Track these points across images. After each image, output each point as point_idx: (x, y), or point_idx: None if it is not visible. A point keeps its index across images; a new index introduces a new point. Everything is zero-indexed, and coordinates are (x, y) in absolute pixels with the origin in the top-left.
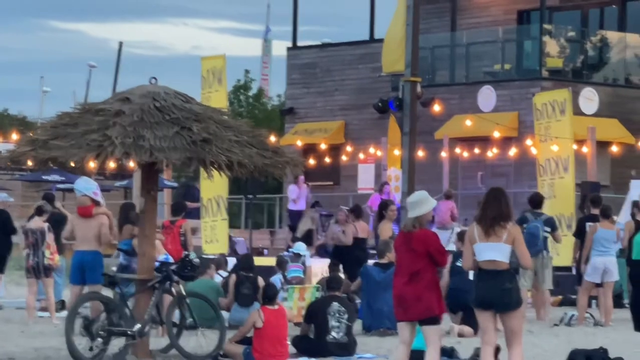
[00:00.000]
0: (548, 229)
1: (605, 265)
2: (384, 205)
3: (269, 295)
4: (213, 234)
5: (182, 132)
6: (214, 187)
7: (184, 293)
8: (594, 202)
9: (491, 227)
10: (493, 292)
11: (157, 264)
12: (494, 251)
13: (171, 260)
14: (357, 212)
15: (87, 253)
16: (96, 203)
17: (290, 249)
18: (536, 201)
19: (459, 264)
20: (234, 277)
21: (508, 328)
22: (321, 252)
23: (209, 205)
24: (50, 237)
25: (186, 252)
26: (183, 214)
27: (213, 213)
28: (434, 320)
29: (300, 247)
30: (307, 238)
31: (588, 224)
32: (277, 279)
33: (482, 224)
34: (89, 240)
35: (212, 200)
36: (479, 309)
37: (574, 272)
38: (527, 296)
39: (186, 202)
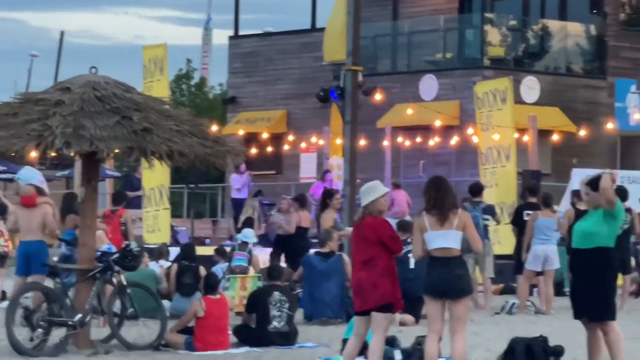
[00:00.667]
0: (488, 217)
1: (546, 253)
2: (329, 194)
3: (211, 285)
4: (155, 224)
5: (122, 122)
6: (156, 176)
7: (125, 283)
8: (531, 190)
9: (442, 215)
10: (445, 279)
11: (98, 253)
12: (446, 239)
13: (114, 250)
14: (301, 201)
15: (31, 243)
16: (41, 192)
17: (237, 237)
18: (475, 190)
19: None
20: (175, 266)
21: (455, 316)
22: (263, 241)
23: (151, 194)
24: (1, 224)
25: (127, 242)
26: (124, 203)
27: (155, 202)
28: (388, 308)
29: (247, 234)
30: (248, 226)
31: (525, 212)
32: (218, 268)
33: (432, 212)
34: (33, 230)
35: (154, 190)
36: (430, 297)
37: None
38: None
39: (126, 192)
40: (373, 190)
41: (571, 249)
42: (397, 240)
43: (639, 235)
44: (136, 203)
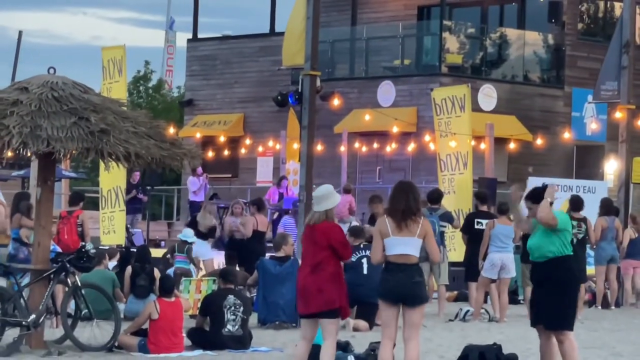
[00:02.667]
0: (444, 224)
1: (503, 261)
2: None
3: (166, 288)
4: (110, 225)
5: (79, 123)
6: (112, 178)
7: (79, 284)
8: (480, 198)
9: (404, 221)
10: (403, 286)
11: (52, 254)
12: (406, 245)
13: (58, 250)
14: (259, 205)
15: None
16: None
17: (178, 236)
18: (433, 197)
19: (352, 259)
20: (129, 268)
21: (409, 322)
22: (217, 244)
23: (108, 196)
24: None
25: (83, 243)
26: (81, 204)
27: (111, 204)
28: (333, 314)
29: (187, 233)
30: (192, 226)
31: (476, 220)
32: (172, 271)
33: (394, 217)
34: None
35: (111, 191)
36: (387, 303)
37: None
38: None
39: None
40: (331, 197)
41: (531, 260)
42: (347, 246)
43: (594, 245)
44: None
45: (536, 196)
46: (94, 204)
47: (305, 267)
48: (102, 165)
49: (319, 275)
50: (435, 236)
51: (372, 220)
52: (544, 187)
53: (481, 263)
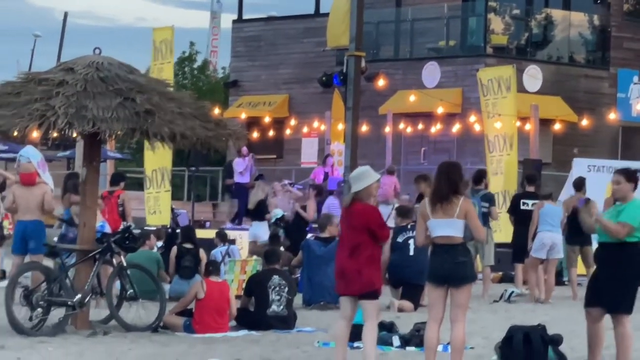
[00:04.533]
0: (486, 205)
1: (553, 241)
2: None
3: (213, 269)
4: (156, 205)
5: (125, 103)
6: (158, 158)
7: (124, 264)
8: (529, 179)
9: (442, 203)
10: (448, 266)
11: (98, 234)
12: (447, 227)
13: (107, 227)
14: (319, 191)
15: (30, 223)
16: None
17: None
18: (476, 177)
19: (399, 239)
20: (174, 249)
21: (456, 303)
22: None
23: (153, 176)
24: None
25: (125, 223)
26: (122, 184)
27: (157, 184)
28: (373, 295)
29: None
30: (259, 209)
31: (522, 201)
32: (218, 252)
33: (431, 199)
34: (31, 209)
35: (156, 172)
36: (433, 284)
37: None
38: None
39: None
40: (365, 177)
41: (598, 242)
42: (384, 228)
43: None
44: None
45: (632, 176)
46: (139, 185)
47: (344, 249)
48: (146, 145)
49: (358, 258)
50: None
51: (420, 200)
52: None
53: (530, 243)
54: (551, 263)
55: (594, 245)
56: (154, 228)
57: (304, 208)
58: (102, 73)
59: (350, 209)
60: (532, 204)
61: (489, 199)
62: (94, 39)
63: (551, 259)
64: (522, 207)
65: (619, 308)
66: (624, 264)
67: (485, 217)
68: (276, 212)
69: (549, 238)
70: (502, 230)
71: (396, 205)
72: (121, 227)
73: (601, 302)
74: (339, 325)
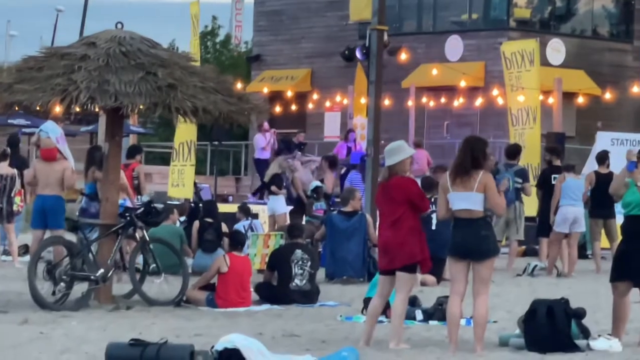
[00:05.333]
0: (519, 180)
1: (576, 215)
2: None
3: (237, 242)
4: (180, 178)
5: (147, 78)
6: (186, 132)
7: (147, 238)
8: (556, 153)
9: (459, 176)
10: (470, 240)
11: (121, 209)
12: (466, 201)
13: (128, 203)
14: (332, 162)
15: (49, 197)
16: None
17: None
18: (510, 152)
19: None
20: (196, 223)
21: (479, 277)
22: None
23: (180, 149)
24: (19, 183)
25: (143, 196)
26: (138, 157)
27: (183, 158)
28: (412, 268)
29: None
30: (273, 183)
31: (553, 176)
32: (241, 225)
33: (454, 172)
34: (51, 184)
35: (183, 145)
36: (455, 258)
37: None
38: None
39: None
40: (400, 151)
41: (626, 215)
42: (424, 198)
43: None
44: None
45: None
46: (162, 160)
47: (385, 224)
48: (180, 118)
49: (399, 229)
50: (508, 192)
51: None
52: None
53: (552, 217)
54: (573, 237)
55: (618, 219)
56: (177, 202)
57: (322, 181)
58: (124, 47)
59: (389, 183)
60: (557, 178)
61: (523, 174)
62: (117, 14)
63: (573, 232)
64: (553, 182)
65: None
66: None
67: (518, 193)
68: (313, 184)
69: (571, 212)
70: (526, 204)
71: None
72: (136, 200)
73: (629, 276)
74: (374, 302)
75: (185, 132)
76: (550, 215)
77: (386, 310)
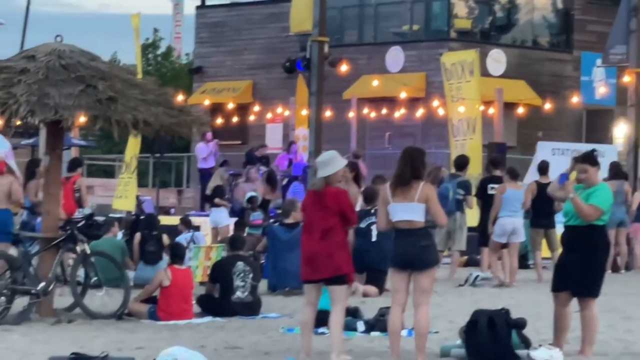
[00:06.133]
0: (461, 192)
1: (514, 225)
2: None
3: (178, 255)
4: (125, 190)
5: (87, 90)
6: (135, 145)
7: (88, 251)
8: (494, 163)
9: (400, 187)
10: (411, 251)
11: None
12: (407, 211)
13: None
14: (269, 176)
15: None
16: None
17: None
18: (460, 163)
19: (362, 225)
20: (137, 236)
21: (419, 287)
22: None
23: (131, 162)
24: None
25: (80, 209)
26: (79, 170)
27: (130, 170)
28: (342, 280)
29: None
30: (216, 194)
31: (490, 186)
32: (182, 238)
33: (394, 183)
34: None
35: (133, 158)
36: (396, 269)
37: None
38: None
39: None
40: (334, 162)
41: (565, 225)
42: (355, 211)
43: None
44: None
45: (592, 159)
46: (105, 172)
47: (314, 233)
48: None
49: (330, 241)
50: (448, 202)
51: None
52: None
53: (491, 227)
54: (513, 247)
55: (559, 228)
56: (119, 215)
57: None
58: (64, 60)
59: (323, 193)
60: (497, 188)
61: (466, 186)
62: (58, 26)
63: (512, 242)
64: (489, 192)
65: (587, 292)
66: (592, 248)
67: (460, 204)
68: (248, 194)
69: (509, 223)
70: (468, 214)
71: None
72: (77, 213)
73: (569, 286)
74: (305, 312)
75: (135, 144)
76: (488, 226)
77: (327, 321)
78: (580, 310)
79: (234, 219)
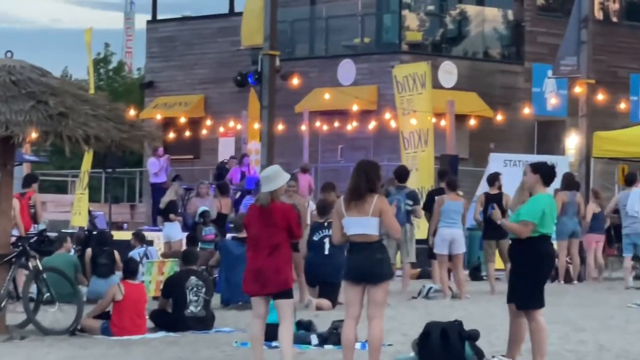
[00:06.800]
0: (410, 202)
1: (453, 236)
2: None
3: (131, 270)
4: (78, 206)
5: (38, 106)
6: (87, 160)
7: (40, 268)
8: (441, 175)
9: (354, 201)
10: (365, 264)
11: (13, 238)
12: (361, 225)
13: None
14: (222, 188)
15: None
16: None
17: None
18: (401, 174)
19: (315, 238)
20: (89, 251)
21: (373, 300)
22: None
23: (84, 177)
24: None
25: (36, 225)
26: (33, 185)
27: (83, 186)
28: (289, 294)
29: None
30: (170, 210)
31: (436, 198)
32: (136, 253)
33: (346, 197)
34: None
35: (86, 174)
36: (350, 282)
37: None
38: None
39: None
40: (279, 177)
41: (509, 238)
42: (300, 226)
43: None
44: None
45: (539, 168)
46: (57, 188)
47: (262, 249)
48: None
49: (277, 256)
50: (400, 214)
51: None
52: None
53: (431, 239)
54: (456, 258)
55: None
56: (71, 231)
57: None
58: (14, 76)
59: (269, 209)
60: (436, 200)
61: (414, 196)
62: (9, 42)
63: (455, 254)
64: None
65: (527, 305)
66: (529, 260)
67: (409, 215)
68: (201, 208)
69: (448, 234)
70: (421, 227)
71: (311, 203)
72: (32, 229)
73: (513, 299)
74: (254, 325)
75: (87, 160)
76: (429, 238)
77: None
78: (528, 323)
79: (187, 234)
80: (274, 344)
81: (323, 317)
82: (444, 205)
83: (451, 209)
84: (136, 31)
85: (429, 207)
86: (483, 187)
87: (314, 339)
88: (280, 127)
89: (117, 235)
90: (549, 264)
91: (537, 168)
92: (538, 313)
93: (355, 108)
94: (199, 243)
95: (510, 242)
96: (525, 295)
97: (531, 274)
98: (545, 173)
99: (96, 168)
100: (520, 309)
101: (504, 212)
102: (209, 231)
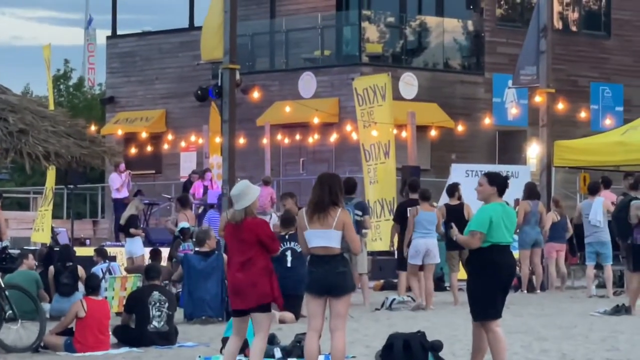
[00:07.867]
0: (359, 213)
1: (428, 247)
2: None
3: (92, 286)
4: (41, 223)
5: None
6: (51, 177)
7: (2, 285)
8: (412, 186)
9: (316, 214)
10: (327, 277)
11: None
12: (324, 238)
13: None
14: (182, 202)
15: None
16: None
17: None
18: (349, 186)
19: None
20: (52, 268)
21: (335, 313)
22: (144, 241)
23: (49, 194)
24: None
25: (0, 242)
26: None
27: (48, 202)
28: (266, 308)
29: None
30: (130, 225)
31: (409, 209)
32: (98, 269)
33: (308, 210)
34: None
35: (51, 190)
36: (312, 294)
37: (396, 256)
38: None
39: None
40: (249, 192)
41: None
42: (275, 240)
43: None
44: None
45: (494, 178)
46: (19, 205)
47: (235, 264)
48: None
49: (250, 270)
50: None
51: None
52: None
53: (406, 250)
54: (428, 269)
55: None
56: (33, 248)
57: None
58: None
59: (241, 225)
60: (409, 211)
61: (363, 207)
62: None
63: (427, 264)
64: (408, 215)
65: (483, 316)
66: (481, 271)
67: (358, 226)
68: (180, 225)
69: (422, 244)
70: (384, 238)
71: (273, 215)
72: None
73: (470, 310)
74: (231, 341)
75: (51, 176)
76: (404, 249)
77: (244, 349)
78: (486, 333)
79: (149, 249)
80: (237, 357)
81: (286, 330)
82: (418, 216)
83: (425, 219)
84: (98, 47)
85: (399, 219)
86: (444, 198)
87: (277, 352)
88: (241, 140)
89: (80, 251)
90: (505, 274)
91: (493, 180)
92: (494, 324)
93: (316, 121)
94: (167, 257)
95: None
96: (481, 307)
97: (484, 284)
98: (501, 184)
99: (58, 184)
100: (476, 320)
101: (465, 223)
102: (186, 246)
